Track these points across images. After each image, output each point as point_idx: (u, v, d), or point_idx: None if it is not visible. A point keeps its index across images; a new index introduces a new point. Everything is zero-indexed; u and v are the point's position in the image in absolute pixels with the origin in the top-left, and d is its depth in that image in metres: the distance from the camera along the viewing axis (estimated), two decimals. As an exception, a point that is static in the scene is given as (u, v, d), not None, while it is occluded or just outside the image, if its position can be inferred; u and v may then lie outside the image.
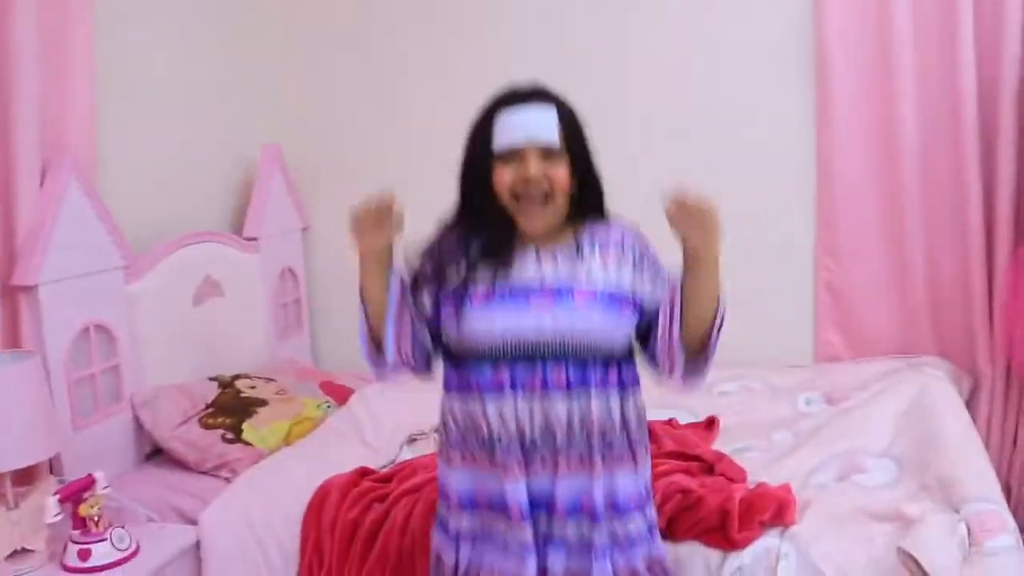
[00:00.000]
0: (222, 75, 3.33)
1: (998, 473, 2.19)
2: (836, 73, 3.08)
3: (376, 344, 1.65)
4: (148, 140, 2.93)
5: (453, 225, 1.68)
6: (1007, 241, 2.93)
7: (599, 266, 1.62)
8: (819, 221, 3.22)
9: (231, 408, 2.78)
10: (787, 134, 3.23)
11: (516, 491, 1.59)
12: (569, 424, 1.59)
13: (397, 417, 2.83)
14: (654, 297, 1.64)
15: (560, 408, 1.58)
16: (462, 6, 3.47)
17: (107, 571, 2.11)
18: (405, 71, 3.55)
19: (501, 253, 1.61)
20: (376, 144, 3.63)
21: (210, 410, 2.75)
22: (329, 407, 3.01)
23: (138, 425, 2.67)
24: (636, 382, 1.68)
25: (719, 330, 1.59)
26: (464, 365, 1.63)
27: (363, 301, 1.65)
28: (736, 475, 2.20)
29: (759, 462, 2.35)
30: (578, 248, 1.64)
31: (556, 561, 1.61)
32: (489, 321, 1.58)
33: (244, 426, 2.71)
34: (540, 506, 1.62)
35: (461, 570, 1.67)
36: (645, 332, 1.66)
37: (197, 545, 2.31)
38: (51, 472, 2.34)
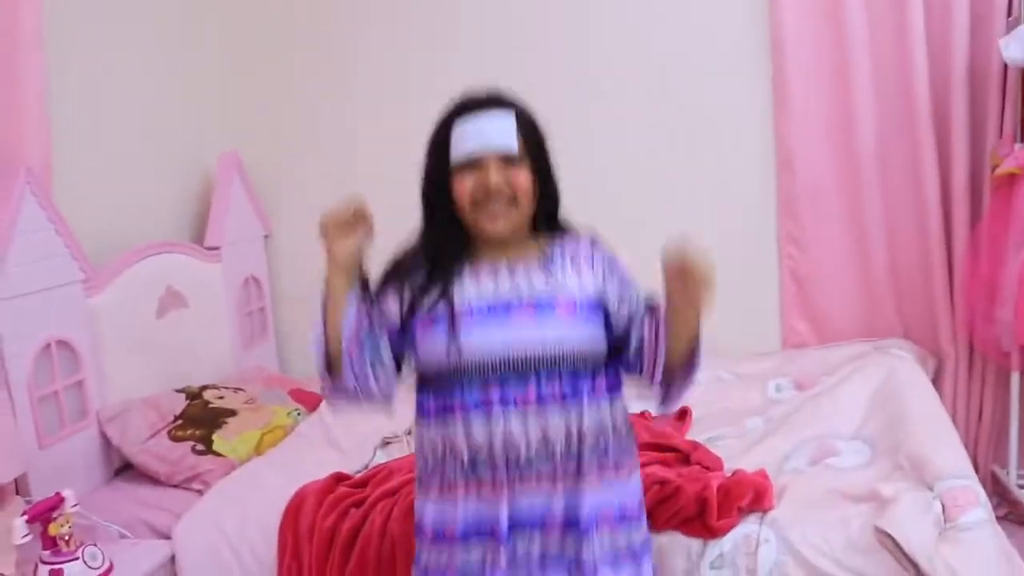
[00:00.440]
0: (177, 83, 3.28)
1: (966, 449, 2.22)
2: (792, 64, 3.12)
3: (332, 359, 1.56)
4: (103, 150, 2.88)
5: (417, 244, 1.64)
6: (964, 221, 2.99)
7: (573, 277, 1.59)
8: (780, 210, 3.26)
9: (200, 419, 2.74)
10: (746, 126, 3.27)
11: (501, 512, 1.53)
12: (567, 436, 1.54)
13: (367, 421, 2.80)
14: (620, 306, 1.61)
15: (557, 420, 1.53)
16: (422, 8, 3.46)
17: (81, 590, 2.06)
18: (365, 75, 3.54)
19: (451, 270, 1.58)
20: (336, 149, 3.61)
21: (179, 422, 2.70)
22: (299, 414, 2.98)
23: (105, 441, 2.62)
24: (620, 387, 1.65)
25: (694, 367, 1.56)
26: (446, 387, 1.56)
27: (324, 307, 1.56)
28: (712, 463, 2.22)
29: (733, 450, 2.37)
30: (550, 260, 1.61)
31: None
32: (473, 338, 1.52)
33: (214, 437, 2.67)
34: (533, 525, 1.55)
35: None
36: (616, 341, 1.63)
37: (172, 559, 2.28)
38: (17, 493, 2.29)
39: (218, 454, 2.62)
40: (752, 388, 2.86)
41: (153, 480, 2.56)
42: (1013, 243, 2.71)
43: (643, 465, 2.12)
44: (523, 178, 1.54)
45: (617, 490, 1.60)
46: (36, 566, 2.10)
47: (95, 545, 2.16)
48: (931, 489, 1.93)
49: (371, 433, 2.74)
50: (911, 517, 1.83)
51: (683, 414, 2.66)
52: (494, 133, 1.52)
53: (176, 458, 2.57)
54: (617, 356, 1.63)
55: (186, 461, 2.57)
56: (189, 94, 3.35)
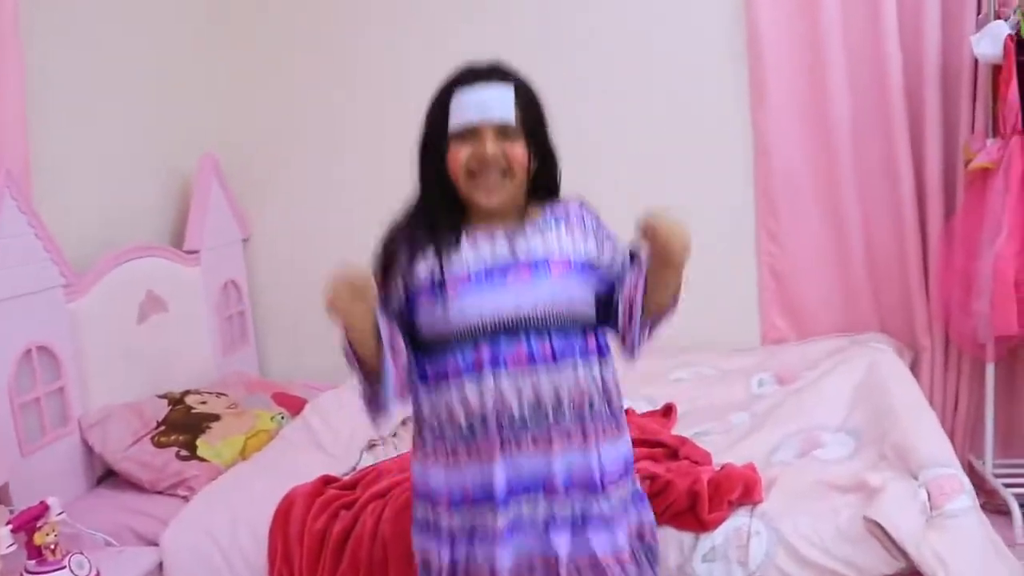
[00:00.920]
0: (156, 86, 3.24)
1: (944, 439, 2.26)
2: (769, 61, 3.17)
3: (374, 394, 1.60)
4: (83, 154, 2.85)
5: (412, 213, 1.65)
6: (938, 216, 3.05)
7: (567, 239, 1.63)
8: (758, 207, 3.30)
9: (183, 425, 2.72)
10: (724, 124, 3.30)
11: (496, 473, 1.55)
12: (558, 396, 1.56)
13: (353, 424, 2.80)
14: (612, 267, 1.66)
15: (548, 381, 1.56)
16: (402, 9, 3.45)
17: (68, 599, 2.04)
18: (346, 78, 3.53)
19: (450, 233, 1.60)
20: (315, 151, 3.60)
21: (162, 428, 2.68)
22: (283, 418, 2.97)
23: (87, 448, 2.59)
24: (609, 348, 1.67)
25: (670, 313, 1.63)
26: (439, 352, 1.59)
27: (362, 374, 1.58)
28: (701, 458, 2.23)
29: (720, 444, 2.39)
30: (544, 223, 1.64)
31: (561, 543, 1.57)
32: (468, 305, 1.55)
33: (198, 442, 2.65)
34: (536, 487, 1.58)
35: (449, 570, 1.62)
36: (604, 301, 1.67)
37: (160, 566, 2.26)
38: (0, 502, 2.26)
39: (203, 459, 2.60)
40: (735, 383, 2.88)
41: (136, 487, 2.54)
42: (987, 236, 2.77)
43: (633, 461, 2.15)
44: (518, 150, 1.56)
45: (611, 450, 1.63)
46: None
47: (81, 553, 2.13)
48: (916, 478, 1.96)
49: (356, 436, 2.73)
50: (898, 505, 1.86)
51: (668, 410, 2.68)
52: (492, 104, 1.54)
53: (160, 464, 2.54)
54: (606, 316, 1.66)
55: (170, 467, 2.54)
56: (168, 97, 3.32)
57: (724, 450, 2.33)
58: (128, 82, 3.10)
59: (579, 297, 1.60)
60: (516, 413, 1.55)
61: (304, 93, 3.56)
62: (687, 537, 1.97)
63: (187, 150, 3.38)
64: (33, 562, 2.06)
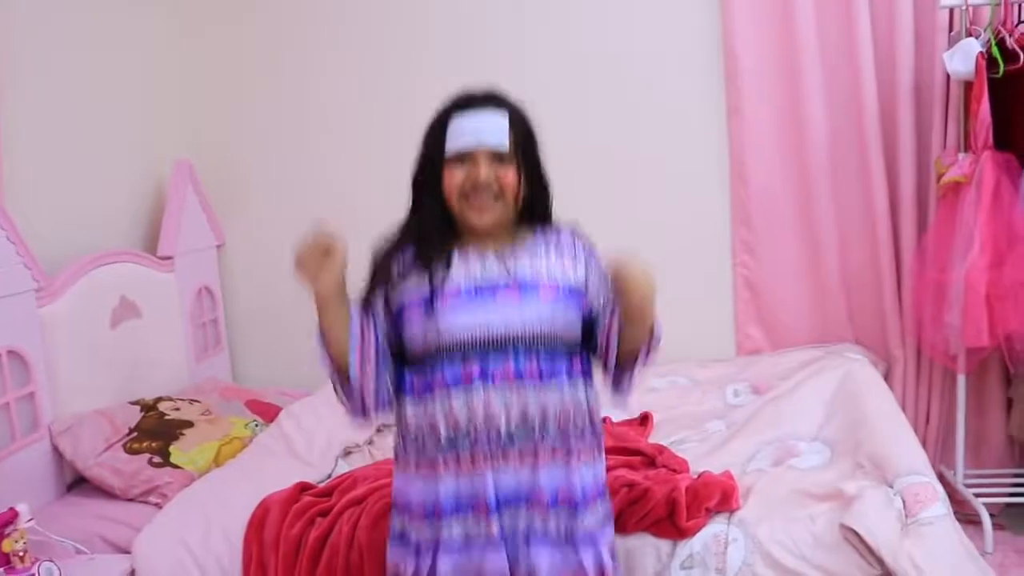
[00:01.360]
0: (132, 91, 3.22)
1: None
2: (745, 75, 3.20)
3: (347, 385, 1.64)
4: (55, 157, 2.82)
5: (405, 229, 1.70)
6: (911, 229, 3.09)
7: (556, 264, 1.67)
8: (734, 218, 3.33)
9: (156, 431, 2.68)
10: (699, 137, 3.33)
11: (486, 485, 1.59)
12: (544, 414, 1.60)
13: (329, 431, 2.78)
14: (599, 296, 1.69)
15: (535, 398, 1.60)
16: (378, 17, 3.45)
17: (37, 607, 2.00)
18: (318, 80, 3.51)
19: (440, 253, 1.64)
20: (290, 158, 3.58)
21: (134, 435, 2.64)
22: (258, 426, 2.94)
23: (58, 454, 2.55)
24: (592, 373, 1.72)
25: (646, 358, 1.66)
26: (427, 365, 1.63)
27: (326, 345, 1.62)
28: (679, 466, 2.24)
29: (696, 453, 2.40)
30: (535, 247, 1.68)
31: (541, 557, 1.61)
32: (457, 320, 1.59)
33: (171, 449, 2.62)
34: (519, 500, 1.61)
35: None
36: (589, 327, 1.70)
37: (132, 574, 2.22)
38: (-33, 509, 2.22)
39: (176, 466, 2.56)
40: (710, 393, 2.90)
41: (108, 494, 2.50)
42: (959, 249, 2.80)
43: (610, 468, 2.16)
44: (510, 175, 1.62)
45: (590, 471, 1.67)
46: (-11, 583, 2.04)
47: (51, 561, 2.10)
48: (891, 486, 1.98)
49: (332, 443, 2.71)
50: (874, 513, 1.87)
51: (645, 419, 2.69)
52: (488, 131, 1.59)
53: (132, 471, 2.51)
54: (588, 342, 1.70)
55: (143, 474, 2.51)
56: (144, 102, 3.29)
57: (701, 458, 2.34)
58: (104, 86, 3.07)
59: (566, 321, 1.64)
60: (503, 427, 1.59)
61: (280, 100, 3.55)
62: (665, 544, 1.98)
63: (162, 155, 3.35)
64: (1, 569, 2.02)
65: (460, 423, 1.59)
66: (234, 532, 2.22)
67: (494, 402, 1.58)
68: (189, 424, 2.77)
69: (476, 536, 1.61)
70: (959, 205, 2.83)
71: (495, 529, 1.59)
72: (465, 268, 1.64)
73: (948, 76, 2.90)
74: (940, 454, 3.15)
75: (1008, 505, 3.01)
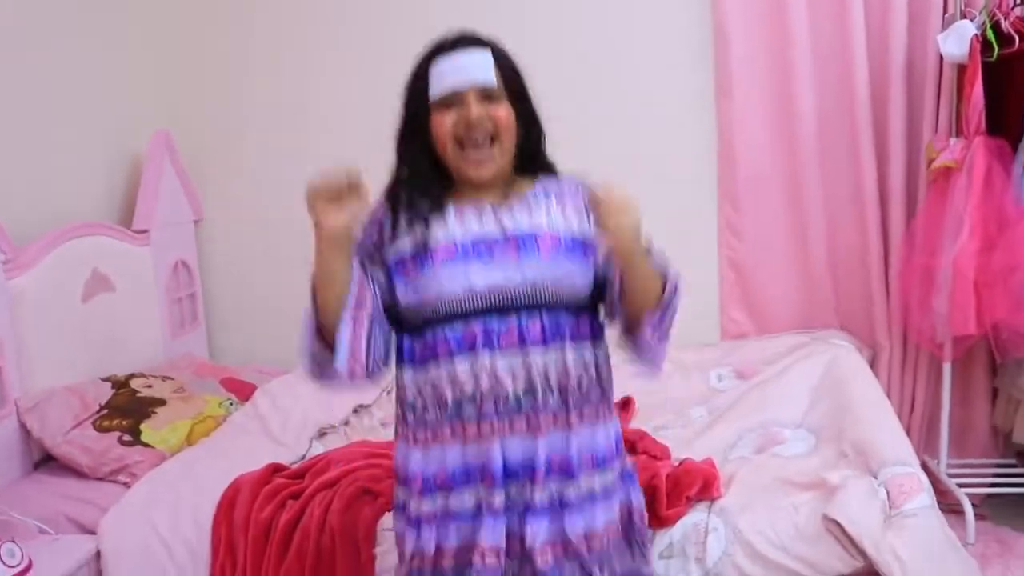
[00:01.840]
0: (107, 59, 3.13)
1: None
2: (735, 55, 3.13)
3: (325, 345, 1.49)
4: (25, 126, 2.73)
5: (392, 188, 1.59)
6: (900, 214, 3.04)
7: (557, 213, 1.57)
8: (721, 199, 3.27)
9: (127, 409, 2.62)
10: (688, 116, 3.26)
11: (494, 454, 1.49)
12: (547, 379, 1.50)
13: (304, 411, 2.74)
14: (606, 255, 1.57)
15: (539, 363, 1.50)
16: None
17: (-2, 589, 1.95)
18: (302, 48, 3.43)
19: (434, 207, 1.53)
20: (272, 131, 3.49)
21: (104, 412, 2.58)
22: (232, 404, 2.88)
23: (25, 431, 2.49)
24: (603, 332, 1.61)
25: (663, 316, 1.52)
26: (427, 330, 1.51)
27: (316, 292, 1.48)
28: (660, 452, 2.21)
29: (678, 439, 2.36)
30: (533, 198, 1.58)
31: (539, 530, 1.51)
32: (456, 277, 1.49)
33: (142, 427, 2.56)
34: (521, 471, 1.51)
35: (427, 554, 1.55)
36: (601, 283, 1.60)
37: (97, 556, 2.17)
38: (-72, 486, 2.16)
39: (147, 445, 2.51)
40: (694, 378, 2.86)
41: (76, 473, 2.44)
42: (948, 235, 2.76)
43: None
44: (504, 112, 1.51)
45: (598, 433, 1.57)
46: (-52, 563, 1.98)
47: (12, 541, 2.05)
48: (875, 476, 1.95)
49: (307, 423, 2.66)
50: (857, 504, 1.84)
51: (626, 404, 2.64)
52: (473, 68, 1.49)
53: (101, 449, 2.45)
54: (601, 300, 1.60)
55: (112, 452, 2.45)
56: (120, 72, 3.20)
57: (683, 445, 2.30)
58: (79, 54, 2.99)
59: (569, 274, 1.53)
60: (511, 394, 1.49)
61: (261, 69, 3.46)
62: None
63: (139, 127, 3.26)
64: (-39, 550, 1.97)
65: (466, 390, 1.49)
66: (204, 514, 2.17)
67: (501, 368, 1.48)
68: (161, 402, 2.71)
69: (480, 508, 1.51)
70: (949, 191, 2.79)
71: (498, 501, 1.50)
72: (461, 224, 1.53)
73: (941, 58, 2.85)
74: (924, 443, 3.12)
75: (990, 495, 2.99)
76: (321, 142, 3.42)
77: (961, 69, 2.79)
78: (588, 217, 1.55)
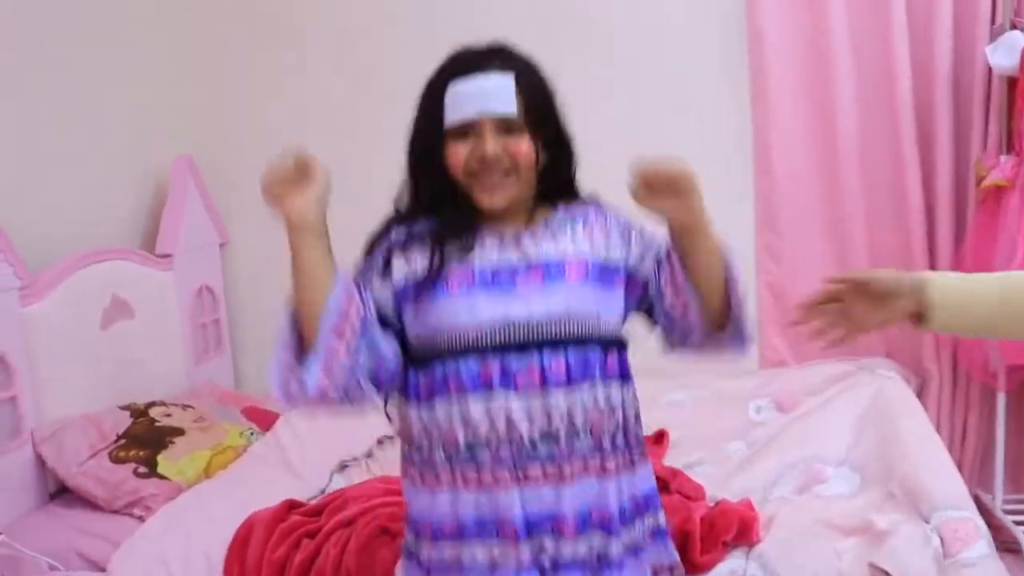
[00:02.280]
0: (131, 82, 3.09)
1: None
2: (772, 72, 3.01)
3: (299, 355, 1.33)
4: (45, 149, 2.69)
5: (404, 214, 1.48)
6: (948, 235, 2.91)
7: (583, 238, 1.45)
8: (758, 222, 3.15)
9: (144, 439, 2.55)
10: (724, 136, 3.14)
11: (511, 505, 1.37)
12: (572, 422, 1.37)
13: (326, 442, 2.64)
14: (645, 260, 1.47)
15: (562, 404, 1.37)
16: (382, 8, 3.31)
17: (2, 630, 1.89)
18: (328, 75, 3.38)
19: (461, 232, 1.42)
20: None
21: (121, 442, 2.52)
22: (253, 434, 2.80)
23: (40, 462, 2.43)
24: (631, 373, 1.48)
25: (736, 287, 1.45)
26: (436, 363, 1.39)
27: (295, 294, 1.35)
28: (694, 492, 2.08)
29: (714, 476, 2.24)
30: (557, 225, 1.46)
31: None
32: (471, 308, 1.37)
33: (159, 458, 2.49)
34: (543, 525, 1.38)
35: None
36: (649, 308, 1.49)
37: (107, 594, 2.10)
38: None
39: (162, 477, 2.44)
40: (731, 409, 2.72)
41: (92, 505, 2.38)
42: (1000, 257, 2.62)
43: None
44: (524, 146, 1.38)
45: (631, 483, 1.45)
46: (-47, 603, 1.92)
47: (21, 579, 1.98)
48: (927, 521, 1.82)
49: (328, 456, 2.57)
50: (909, 552, 1.71)
51: (660, 437, 2.52)
52: (490, 96, 1.35)
53: (116, 481, 2.38)
54: (654, 321, 1.49)
55: (127, 484, 2.38)
56: (145, 95, 3.16)
57: (719, 483, 2.18)
58: (101, 76, 2.94)
59: (599, 304, 1.41)
60: (526, 438, 1.36)
61: (287, 92, 3.41)
62: (677, 580, 1.82)
63: (164, 151, 3.22)
64: (-33, 588, 1.91)
65: (479, 433, 1.36)
66: (216, 552, 2.08)
67: (516, 411, 1.35)
68: (180, 432, 2.64)
69: (503, 565, 1.38)
70: (1001, 211, 2.66)
71: (525, 557, 1.37)
72: (480, 251, 1.41)
73: (990, 70, 2.72)
74: (977, 477, 2.96)
75: (1049, 533, 2.83)
76: (348, 164, 3.36)
77: (1011, 82, 2.66)
78: (619, 237, 1.46)
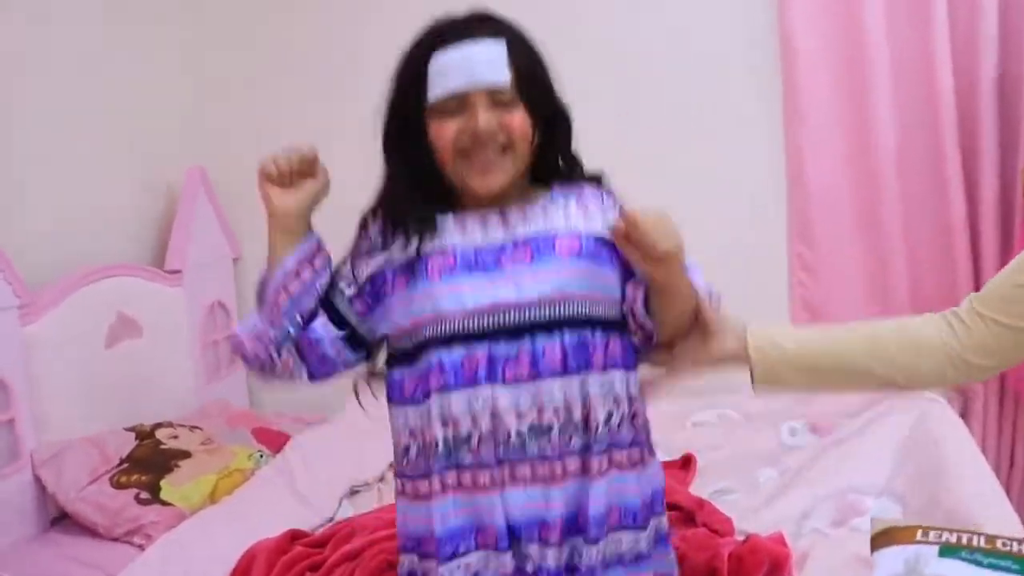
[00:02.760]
0: (140, 92, 3.02)
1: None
2: (804, 77, 2.88)
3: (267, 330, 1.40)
4: (48, 162, 2.61)
5: (382, 200, 1.39)
6: (993, 247, 2.75)
7: (576, 212, 1.33)
8: (791, 234, 3.02)
9: (149, 463, 2.46)
10: (756, 144, 3.02)
11: (494, 511, 1.25)
12: (568, 417, 1.25)
13: (336, 466, 2.54)
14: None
15: (556, 396, 1.24)
16: (399, 15, 3.21)
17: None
18: (343, 86, 3.29)
19: (429, 218, 1.33)
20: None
21: (124, 466, 2.42)
22: (262, 456, 2.70)
23: (40, 487, 2.34)
24: (636, 358, 1.35)
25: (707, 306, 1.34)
26: (420, 359, 1.28)
27: (268, 271, 1.40)
28: (722, 525, 1.94)
29: (744, 507, 2.09)
30: (549, 201, 1.35)
31: None
32: (454, 293, 1.26)
33: (162, 483, 2.39)
34: (529, 530, 1.26)
35: None
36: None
37: (101, 629, 2.00)
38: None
39: (165, 503, 2.33)
40: (763, 431, 2.57)
41: (92, 532, 2.28)
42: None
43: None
44: (519, 120, 1.26)
45: (628, 486, 1.31)
46: (-61, 638, 1.82)
47: (12, 613, 1.89)
48: (978, 560, 1.66)
49: (338, 480, 2.46)
50: (957, 595, 1.55)
51: (687, 462, 2.38)
52: (481, 65, 1.23)
53: (117, 507, 2.28)
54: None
55: (128, 511, 2.28)
56: (155, 105, 3.09)
57: (748, 514, 2.03)
58: (108, 86, 2.87)
59: (595, 280, 1.28)
60: (513, 434, 1.24)
61: (302, 103, 3.33)
62: (703, 623, 1.68)
63: (174, 161, 3.15)
64: (-47, 623, 1.82)
65: (461, 429, 1.25)
66: (216, 585, 1.98)
67: (504, 404, 1.24)
68: (186, 454, 2.54)
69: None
70: (1051, 224, 2.50)
71: (507, 567, 1.26)
72: (462, 234, 1.31)
73: (1038, 77, 2.57)
74: (1025, 504, 2.79)
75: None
76: (360, 175, 3.27)
77: (1062, 85, 2.50)
78: (615, 213, 1.33)
